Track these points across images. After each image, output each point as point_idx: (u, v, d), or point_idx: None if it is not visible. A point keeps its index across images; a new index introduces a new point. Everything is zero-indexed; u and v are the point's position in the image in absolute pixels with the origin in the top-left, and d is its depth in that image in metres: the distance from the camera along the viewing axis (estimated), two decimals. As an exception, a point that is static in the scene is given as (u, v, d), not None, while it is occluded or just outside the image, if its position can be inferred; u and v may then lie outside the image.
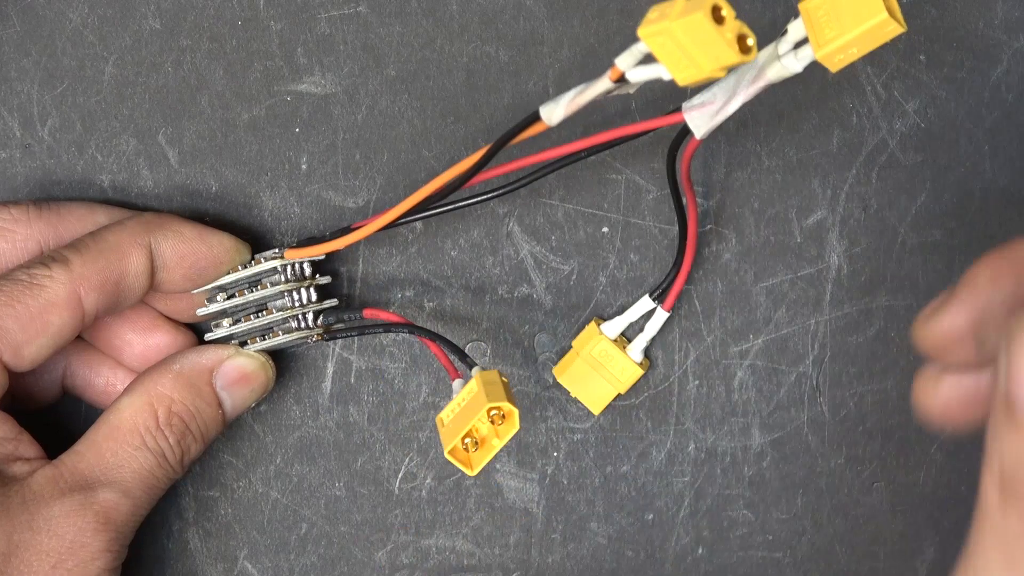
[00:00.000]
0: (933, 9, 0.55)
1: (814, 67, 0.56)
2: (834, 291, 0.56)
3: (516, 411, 0.49)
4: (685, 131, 0.52)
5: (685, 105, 0.50)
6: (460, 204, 0.53)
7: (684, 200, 0.54)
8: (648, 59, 0.45)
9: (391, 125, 0.56)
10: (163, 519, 0.57)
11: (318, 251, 0.54)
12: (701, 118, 0.49)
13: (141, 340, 0.55)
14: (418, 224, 0.56)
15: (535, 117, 0.49)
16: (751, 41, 0.44)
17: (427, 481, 0.57)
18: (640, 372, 0.56)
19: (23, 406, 0.54)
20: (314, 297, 0.54)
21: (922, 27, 0.55)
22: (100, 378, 0.55)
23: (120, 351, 0.55)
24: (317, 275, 0.55)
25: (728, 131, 0.56)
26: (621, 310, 0.56)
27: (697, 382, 0.56)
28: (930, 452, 0.56)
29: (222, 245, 0.54)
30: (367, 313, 0.54)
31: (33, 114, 0.56)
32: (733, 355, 0.56)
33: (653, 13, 0.44)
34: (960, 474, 0.57)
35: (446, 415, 0.50)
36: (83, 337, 0.55)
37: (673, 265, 0.55)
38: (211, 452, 0.56)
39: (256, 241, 0.56)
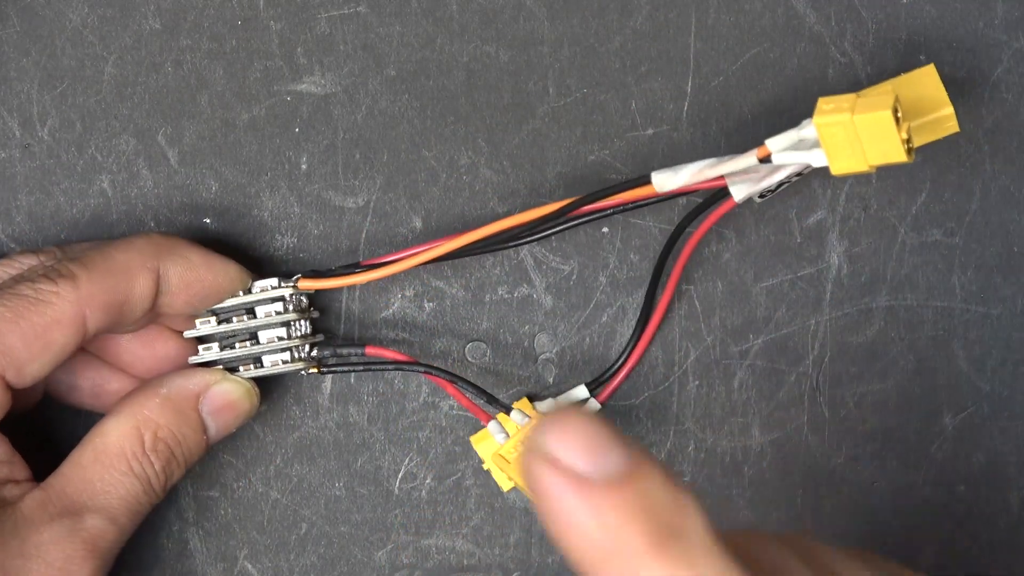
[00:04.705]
0: (933, 9, 0.55)
1: (812, 69, 0.56)
2: (834, 291, 0.56)
3: None
4: (687, 222, 0.53)
5: (727, 175, 0.50)
6: (478, 251, 0.54)
7: (658, 292, 0.54)
8: (798, 145, 0.47)
9: (391, 125, 0.56)
10: (163, 519, 0.57)
11: (332, 284, 0.54)
12: (744, 184, 0.50)
13: (146, 351, 0.54)
14: (418, 224, 0.56)
15: (645, 180, 0.50)
16: (912, 145, 0.47)
17: (427, 481, 0.57)
18: None
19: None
20: (309, 330, 0.54)
21: (922, 27, 0.55)
22: (86, 381, 0.55)
23: (117, 357, 0.55)
24: (312, 308, 0.55)
25: (728, 131, 0.56)
26: (620, 313, 0.56)
27: (697, 382, 0.56)
28: (930, 452, 0.56)
29: (227, 274, 0.53)
30: (369, 351, 0.54)
31: (33, 114, 0.56)
32: (733, 355, 0.56)
33: (827, 104, 0.46)
34: (960, 474, 0.57)
35: (506, 452, 0.50)
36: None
37: (617, 358, 0.55)
38: (211, 452, 0.56)
39: (256, 264, 0.55)
